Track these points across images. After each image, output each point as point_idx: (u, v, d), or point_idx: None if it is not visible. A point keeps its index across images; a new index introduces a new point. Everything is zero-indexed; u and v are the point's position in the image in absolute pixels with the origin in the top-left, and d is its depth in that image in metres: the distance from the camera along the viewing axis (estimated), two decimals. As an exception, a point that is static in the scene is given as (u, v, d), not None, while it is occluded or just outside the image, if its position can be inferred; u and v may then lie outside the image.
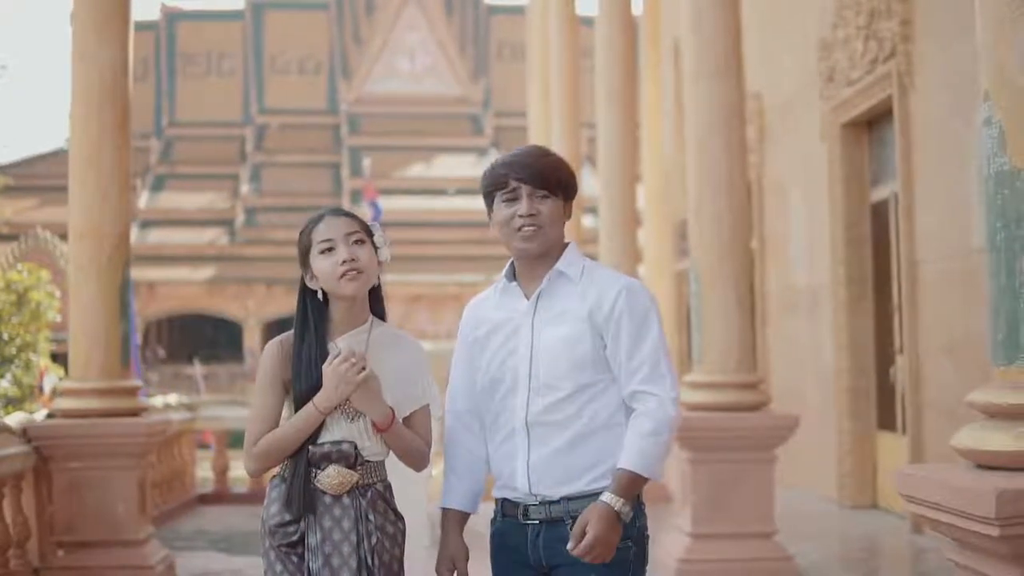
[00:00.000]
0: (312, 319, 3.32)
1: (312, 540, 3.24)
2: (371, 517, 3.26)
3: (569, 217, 3.35)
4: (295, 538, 3.27)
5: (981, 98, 3.53)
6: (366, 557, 3.23)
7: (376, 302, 3.43)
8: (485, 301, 3.43)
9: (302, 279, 3.37)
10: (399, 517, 3.37)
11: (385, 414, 3.26)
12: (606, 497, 3.09)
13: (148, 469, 7.64)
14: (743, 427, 7.49)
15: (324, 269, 3.28)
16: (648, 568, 3.31)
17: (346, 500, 3.26)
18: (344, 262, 3.25)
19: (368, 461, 3.30)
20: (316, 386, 3.25)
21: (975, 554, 3.39)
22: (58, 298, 14.35)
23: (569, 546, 3.08)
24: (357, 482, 3.27)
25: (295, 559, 3.26)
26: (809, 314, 11.80)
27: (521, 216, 3.25)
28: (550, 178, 3.28)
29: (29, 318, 14.42)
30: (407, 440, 3.33)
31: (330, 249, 3.28)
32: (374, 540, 3.25)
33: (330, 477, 3.25)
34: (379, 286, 3.44)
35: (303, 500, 3.25)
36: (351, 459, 3.27)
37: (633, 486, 3.12)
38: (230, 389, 31.36)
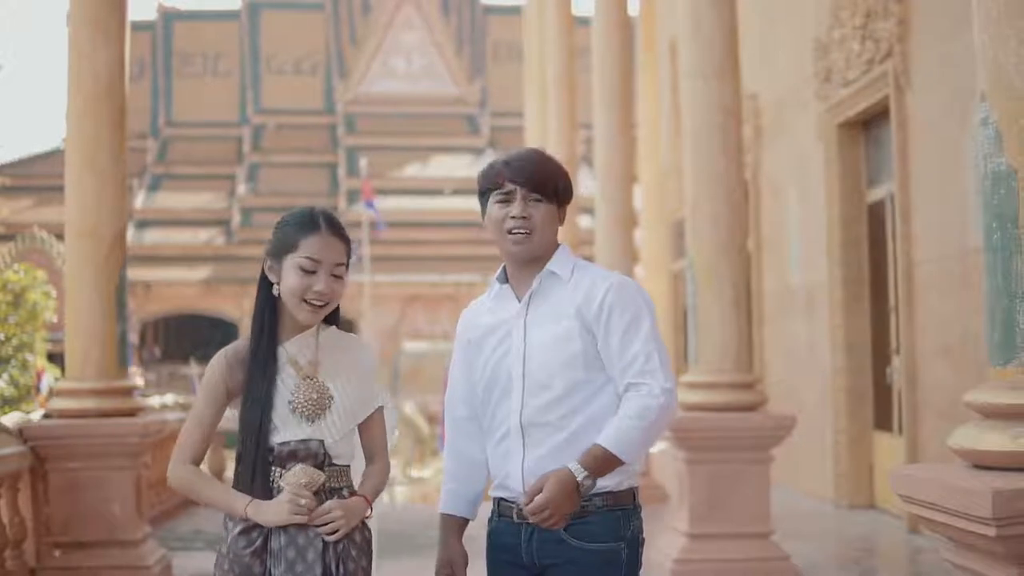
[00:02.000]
0: (265, 322, 3.25)
1: (275, 544, 3.13)
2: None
3: (562, 223, 3.33)
4: (258, 544, 3.14)
5: (978, 98, 3.54)
6: (331, 564, 3.14)
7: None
8: (480, 306, 3.42)
9: (263, 268, 3.27)
10: (366, 526, 3.27)
11: (364, 510, 3.23)
12: (571, 464, 3.08)
13: (144, 469, 7.63)
14: (740, 427, 7.49)
15: (292, 286, 3.19)
16: (642, 569, 3.30)
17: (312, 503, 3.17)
18: (319, 292, 3.19)
19: (335, 464, 3.23)
20: (262, 393, 3.18)
21: (972, 554, 3.39)
22: (54, 298, 14.35)
23: (522, 501, 3.09)
24: (324, 484, 3.19)
25: (257, 569, 3.14)
26: (806, 314, 11.80)
27: (513, 218, 3.24)
28: (546, 182, 3.26)
29: (26, 318, 14.43)
30: (380, 486, 3.33)
31: (312, 272, 3.20)
32: (340, 547, 3.16)
33: (296, 476, 3.15)
34: None
35: (262, 496, 3.15)
36: (319, 458, 3.19)
37: (603, 463, 3.10)
38: (226, 389, 31.27)
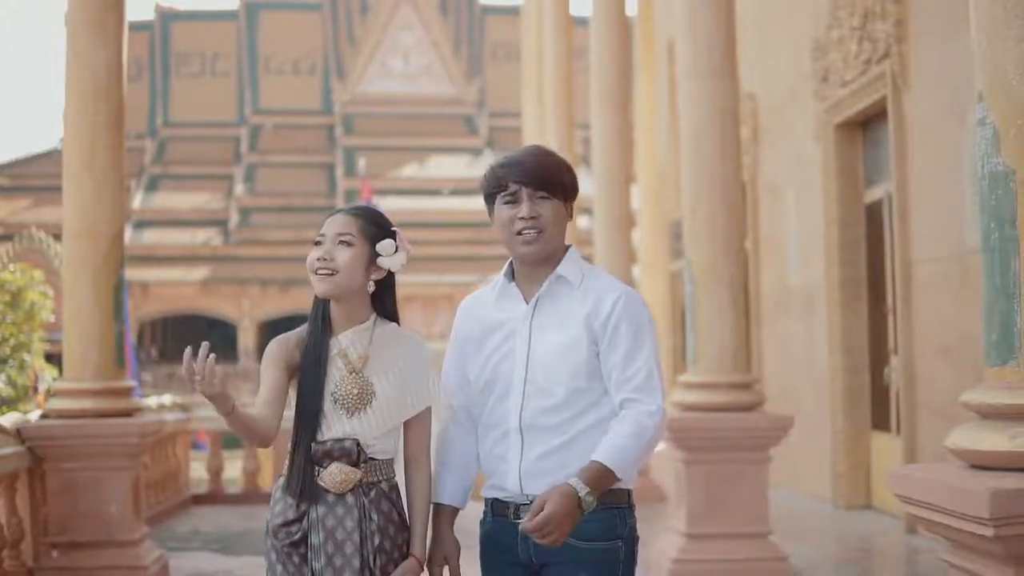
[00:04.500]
0: (319, 315, 3.33)
1: (315, 540, 3.22)
2: (374, 516, 3.24)
3: (571, 218, 3.32)
4: (297, 537, 3.24)
5: (975, 99, 3.54)
6: (369, 557, 3.21)
7: (384, 301, 3.39)
8: (481, 299, 3.41)
9: None
10: (404, 521, 3.32)
11: (419, 571, 3.28)
12: (572, 481, 3.06)
13: (142, 469, 7.63)
14: (738, 427, 7.49)
15: (308, 262, 3.30)
16: (640, 569, 3.31)
17: (349, 499, 3.24)
18: (318, 259, 3.26)
19: (373, 459, 3.28)
20: (317, 384, 3.24)
21: (969, 554, 3.40)
22: (52, 298, 14.34)
23: (523, 520, 3.05)
24: (360, 480, 3.25)
25: (296, 559, 3.24)
26: (803, 314, 11.81)
27: (522, 219, 3.22)
28: (551, 179, 3.24)
29: (23, 318, 14.42)
30: (428, 508, 3.34)
31: (318, 244, 3.29)
32: (377, 541, 3.23)
33: (332, 475, 3.23)
34: (391, 286, 3.40)
35: (306, 492, 3.22)
36: (354, 456, 3.24)
37: (602, 479, 3.09)
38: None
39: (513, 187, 3.24)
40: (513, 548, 3.24)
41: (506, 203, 3.26)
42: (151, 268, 36.31)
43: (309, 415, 3.25)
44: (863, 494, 10.65)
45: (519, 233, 3.23)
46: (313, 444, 3.24)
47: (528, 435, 3.22)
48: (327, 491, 3.24)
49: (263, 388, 3.28)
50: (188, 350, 2.96)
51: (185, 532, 10.05)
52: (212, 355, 2.96)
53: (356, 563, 3.20)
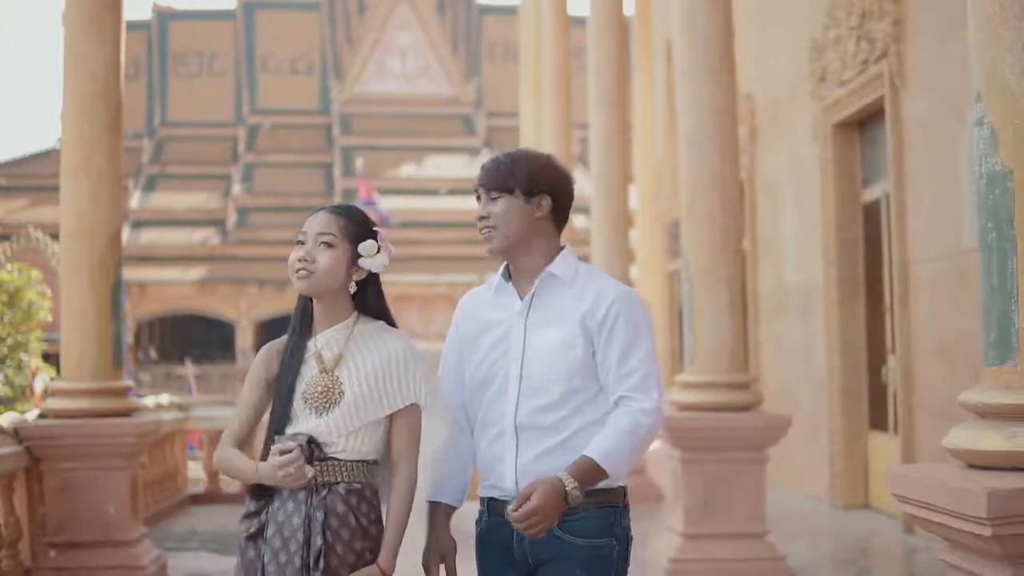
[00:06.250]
0: (299, 315, 3.36)
1: (268, 532, 3.22)
2: (319, 516, 3.18)
3: (543, 211, 3.29)
4: (254, 530, 3.25)
5: (973, 98, 3.54)
6: (310, 558, 3.16)
7: (367, 299, 3.36)
8: (480, 298, 3.42)
9: None
10: (364, 527, 3.23)
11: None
12: (561, 475, 3.07)
13: (140, 469, 7.62)
14: (735, 427, 7.49)
15: (289, 261, 3.30)
16: (637, 568, 3.31)
17: (300, 495, 3.20)
18: (299, 259, 3.26)
19: (332, 459, 3.23)
20: (288, 384, 3.27)
21: (967, 554, 3.40)
22: (49, 298, 14.33)
23: (510, 507, 3.06)
24: (314, 478, 3.20)
25: (252, 553, 3.24)
26: (801, 314, 11.81)
27: (479, 218, 3.33)
28: (501, 178, 3.29)
29: (21, 318, 14.39)
30: (406, 514, 3.28)
31: (300, 243, 3.29)
32: (320, 542, 3.16)
33: (273, 452, 3.22)
34: (376, 283, 3.38)
35: (255, 485, 3.25)
36: (306, 453, 3.20)
37: (591, 475, 3.11)
38: (222, 389, 31.35)
39: (478, 191, 3.34)
40: (509, 547, 3.25)
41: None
42: (149, 268, 36.31)
43: (277, 413, 3.28)
44: (861, 494, 10.66)
45: (481, 232, 3.32)
46: (276, 436, 3.25)
47: (524, 434, 3.22)
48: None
49: (240, 412, 3.37)
50: (296, 448, 3.16)
51: (183, 532, 10.05)
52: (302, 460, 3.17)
53: (297, 561, 3.15)
